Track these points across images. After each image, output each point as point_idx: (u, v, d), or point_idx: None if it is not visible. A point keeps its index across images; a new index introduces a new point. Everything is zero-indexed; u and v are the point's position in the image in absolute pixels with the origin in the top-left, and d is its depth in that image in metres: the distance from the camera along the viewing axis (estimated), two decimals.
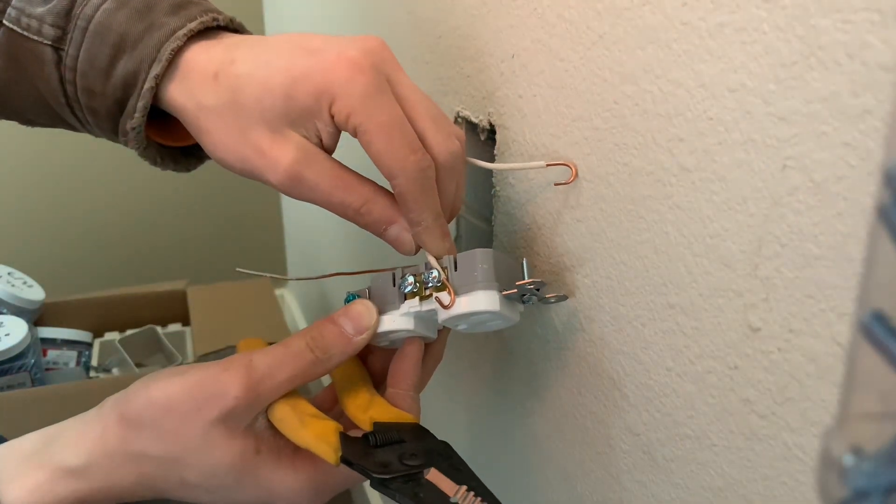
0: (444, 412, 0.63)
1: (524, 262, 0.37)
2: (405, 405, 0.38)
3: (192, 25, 0.35)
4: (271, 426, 0.35)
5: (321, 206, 0.35)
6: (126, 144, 0.37)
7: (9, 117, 0.41)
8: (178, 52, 0.34)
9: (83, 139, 1.55)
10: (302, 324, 1.53)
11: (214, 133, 0.34)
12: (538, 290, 0.36)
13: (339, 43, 0.33)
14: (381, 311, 0.37)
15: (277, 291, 1.59)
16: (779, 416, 0.27)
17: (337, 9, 0.81)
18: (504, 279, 0.36)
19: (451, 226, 0.52)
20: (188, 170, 0.41)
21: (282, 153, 0.33)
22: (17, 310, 1.11)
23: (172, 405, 0.34)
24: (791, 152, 0.24)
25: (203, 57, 0.34)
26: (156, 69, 0.34)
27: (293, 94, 0.32)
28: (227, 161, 0.35)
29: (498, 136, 0.43)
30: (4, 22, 0.36)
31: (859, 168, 0.21)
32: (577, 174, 0.36)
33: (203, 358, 1.10)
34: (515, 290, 0.36)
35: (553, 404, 0.43)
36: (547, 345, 0.43)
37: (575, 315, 0.39)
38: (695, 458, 0.32)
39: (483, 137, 0.46)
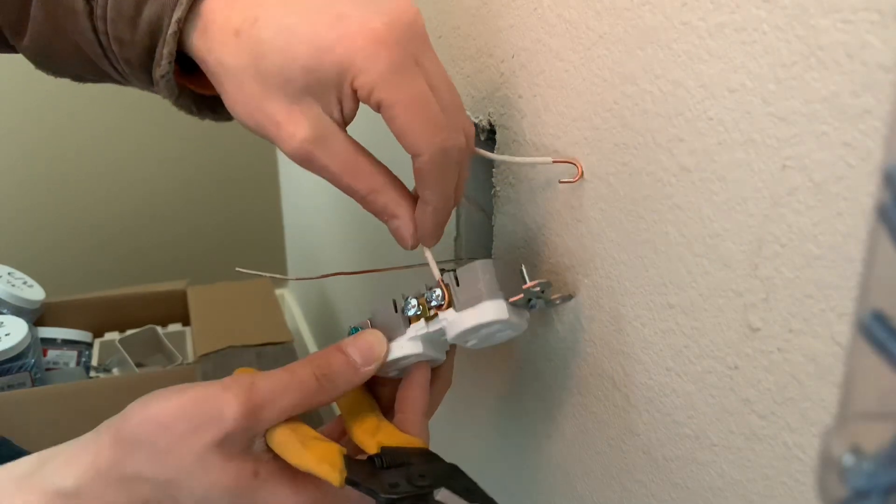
0: (443, 412, 0.63)
1: (523, 268, 0.37)
2: (414, 430, 0.37)
3: None
4: (270, 448, 0.34)
5: (331, 183, 0.34)
6: (160, 94, 0.36)
7: (62, 74, 0.40)
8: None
9: (82, 138, 1.55)
10: (302, 324, 1.53)
11: (231, 94, 0.34)
12: (543, 291, 0.36)
13: (367, 9, 0.31)
14: (388, 339, 0.37)
15: (277, 291, 1.59)
16: (779, 416, 0.27)
17: None
18: (507, 287, 0.36)
19: (452, 225, 0.52)
20: (228, 119, 0.39)
21: (296, 129, 0.32)
22: (17, 310, 1.12)
23: (168, 423, 0.32)
24: (791, 152, 0.24)
25: (225, 9, 0.33)
26: (178, 12, 0.33)
27: (315, 67, 0.31)
28: (244, 122, 0.34)
29: (498, 136, 0.43)
30: None
31: (859, 168, 0.21)
32: (582, 172, 0.35)
33: (203, 358, 1.10)
34: (522, 296, 0.35)
35: (553, 404, 0.44)
36: (547, 345, 0.43)
37: (575, 315, 0.39)
38: (695, 458, 0.32)
39: (483, 137, 0.46)
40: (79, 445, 0.34)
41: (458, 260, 0.52)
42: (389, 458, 0.34)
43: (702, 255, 0.29)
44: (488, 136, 0.45)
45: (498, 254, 0.47)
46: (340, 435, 0.40)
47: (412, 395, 0.37)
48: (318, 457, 0.33)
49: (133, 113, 1.50)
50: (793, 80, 0.23)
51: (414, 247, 0.36)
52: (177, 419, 0.32)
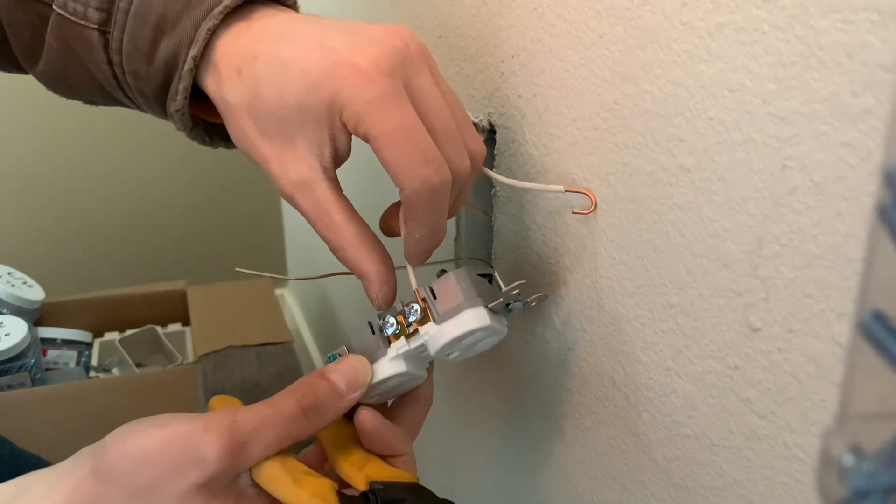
0: (443, 414, 0.63)
1: (495, 274, 0.36)
2: (402, 464, 0.36)
3: (228, 1, 0.34)
4: (255, 484, 0.33)
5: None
6: (174, 125, 0.37)
7: (73, 97, 0.41)
8: (215, 31, 0.34)
9: (82, 139, 1.55)
10: (302, 324, 1.53)
11: (232, 130, 0.35)
12: (520, 294, 0.35)
13: (358, 40, 0.32)
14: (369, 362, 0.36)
15: (277, 291, 1.59)
16: (779, 416, 0.27)
17: (337, 9, 0.81)
18: (482, 294, 0.35)
19: (452, 225, 0.52)
20: (204, 143, 0.40)
21: (281, 171, 0.33)
22: (17, 310, 1.12)
23: (148, 461, 0.31)
24: (791, 152, 0.24)
25: (232, 46, 0.34)
26: (194, 49, 0.33)
27: (306, 104, 0.32)
28: (244, 154, 0.35)
29: (498, 136, 0.43)
30: (54, 7, 0.36)
31: (859, 168, 0.21)
32: (596, 204, 0.35)
33: (203, 358, 1.10)
34: (501, 300, 0.35)
35: (553, 404, 0.44)
36: (547, 345, 0.43)
37: (575, 315, 0.39)
38: (695, 458, 0.32)
39: (483, 138, 0.46)
40: (57, 475, 0.33)
41: (458, 260, 0.52)
42: (383, 495, 0.33)
43: (702, 255, 0.29)
44: (488, 136, 0.45)
45: (498, 254, 0.47)
46: (322, 462, 0.39)
47: (419, 418, 0.37)
48: (311, 493, 0.32)
49: (133, 113, 1.50)
50: (793, 80, 0.23)
51: (381, 308, 0.36)
52: (157, 457, 0.31)
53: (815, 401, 0.25)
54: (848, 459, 0.17)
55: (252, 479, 0.33)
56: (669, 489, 0.34)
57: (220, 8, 0.34)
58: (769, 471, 0.28)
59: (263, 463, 0.32)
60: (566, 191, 0.36)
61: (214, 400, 0.37)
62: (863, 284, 0.17)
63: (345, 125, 0.32)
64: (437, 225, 0.34)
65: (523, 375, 0.47)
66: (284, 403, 0.33)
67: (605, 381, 0.37)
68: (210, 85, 0.34)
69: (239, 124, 0.34)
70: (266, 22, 0.34)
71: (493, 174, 0.40)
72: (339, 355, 0.37)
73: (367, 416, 0.35)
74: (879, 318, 0.16)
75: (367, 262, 0.34)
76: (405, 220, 0.34)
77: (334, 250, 0.35)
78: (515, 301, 0.36)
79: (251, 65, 0.33)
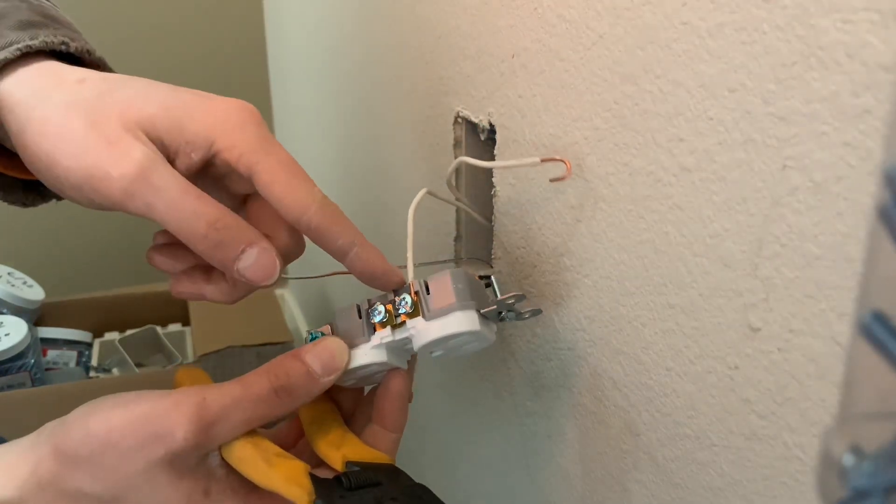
0: (443, 413, 0.63)
1: (493, 280, 0.36)
2: (384, 446, 0.36)
3: (34, 42, 0.33)
4: (224, 464, 0.33)
5: (164, 219, 0.31)
6: None
7: None
8: (8, 66, 0.32)
9: None
10: (302, 324, 1.53)
11: (50, 124, 0.31)
12: (515, 303, 0.35)
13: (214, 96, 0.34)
14: (349, 346, 0.35)
15: (277, 291, 1.59)
16: (779, 416, 0.27)
17: (336, 9, 0.81)
18: (476, 298, 0.35)
19: (452, 226, 0.52)
20: (24, 205, 0.39)
21: (130, 148, 0.30)
22: (17, 310, 1.12)
23: (112, 440, 0.30)
24: (791, 152, 0.24)
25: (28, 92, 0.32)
26: None
27: (175, 116, 0.32)
28: (58, 156, 0.31)
29: (498, 136, 0.43)
30: None
31: (859, 168, 0.21)
32: (571, 170, 0.35)
33: (203, 358, 1.10)
34: (494, 307, 0.34)
35: (553, 404, 0.44)
36: (547, 345, 0.43)
37: (575, 315, 0.39)
38: (695, 458, 0.32)
39: (483, 137, 0.46)
40: (18, 452, 0.32)
41: (458, 260, 0.52)
42: (357, 478, 0.33)
43: (702, 255, 0.29)
44: (488, 136, 0.45)
45: (498, 254, 0.47)
46: (296, 439, 0.39)
47: (393, 408, 0.36)
48: (285, 477, 0.31)
49: None
50: (793, 80, 0.23)
51: (277, 275, 0.34)
52: (122, 437, 0.31)
53: (815, 401, 0.25)
54: (848, 459, 0.17)
55: (222, 459, 0.32)
56: (669, 489, 0.34)
57: (21, 45, 0.33)
58: (769, 471, 0.28)
59: (234, 443, 0.32)
60: (542, 161, 0.36)
61: (181, 373, 0.36)
62: (863, 284, 0.17)
63: (214, 155, 0.33)
64: (354, 228, 0.34)
65: (523, 375, 0.47)
66: (256, 383, 0.33)
67: (605, 381, 0.37)
68: (14, 89, 0.32)
69: (63, 117, 0.31)
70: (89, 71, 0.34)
71: (472, 160, 0.40)
72: (322, 334, 0.36)
73: (405, 386, 0.36)
74: (879, 318, 0.16)
75: (255, 230, 0.33)
76: (338, 250, 0.34)
77: (212, 222, 0.31)
78: (509, 311, 0.36)
79: (93, 77, 0.33)
